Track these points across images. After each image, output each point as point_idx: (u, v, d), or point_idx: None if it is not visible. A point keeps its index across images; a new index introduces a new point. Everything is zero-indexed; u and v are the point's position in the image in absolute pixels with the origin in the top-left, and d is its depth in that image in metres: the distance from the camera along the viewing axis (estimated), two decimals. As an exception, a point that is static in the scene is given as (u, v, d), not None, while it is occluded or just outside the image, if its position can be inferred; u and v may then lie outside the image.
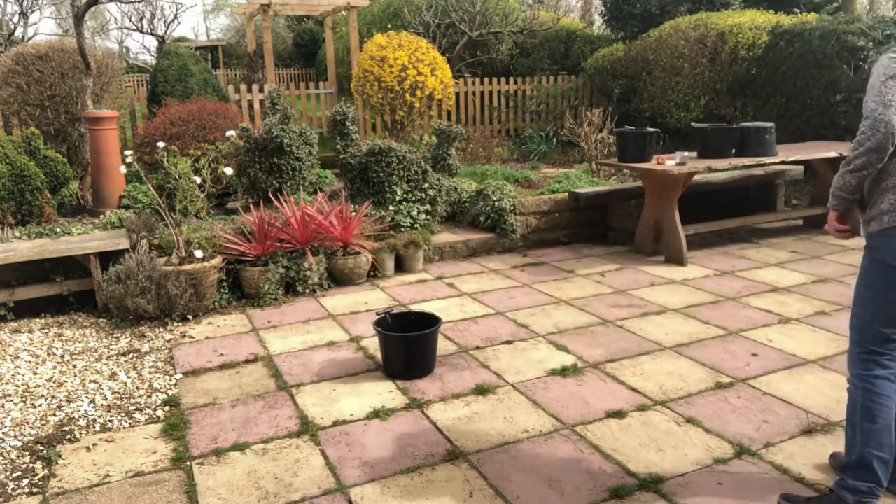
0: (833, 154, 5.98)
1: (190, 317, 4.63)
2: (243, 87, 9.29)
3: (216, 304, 4.83)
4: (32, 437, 3.08)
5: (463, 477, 2.71)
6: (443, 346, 4.05)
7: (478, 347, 4.04)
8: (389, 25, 12.33)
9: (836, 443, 2.87)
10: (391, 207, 5.92)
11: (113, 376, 3.73)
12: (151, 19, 30.61)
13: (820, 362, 3.70)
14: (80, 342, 4.25)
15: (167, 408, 3.36)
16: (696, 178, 6.22)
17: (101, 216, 5.66)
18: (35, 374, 3.78)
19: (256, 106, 9.23)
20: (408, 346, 3.65)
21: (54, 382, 3.66)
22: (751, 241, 6.48)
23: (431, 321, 3.77)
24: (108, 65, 8.25)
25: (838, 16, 9.12)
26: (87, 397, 3.47)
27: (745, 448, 2.84)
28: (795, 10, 10.72)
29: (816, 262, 5.67)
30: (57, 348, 4.14)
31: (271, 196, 5.69)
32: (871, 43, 7.75)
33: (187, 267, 4.59)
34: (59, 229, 5.22)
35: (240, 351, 4.07)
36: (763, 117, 8.19)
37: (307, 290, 5.11)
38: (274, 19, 20.59)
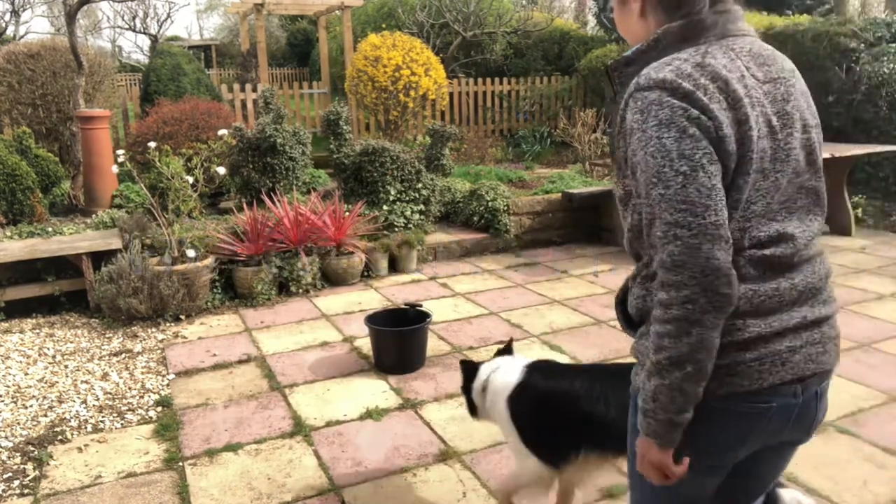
0: (825, 155, 6.01)
1: (182, 317, 4.61)
2: (236, 86, 9.25)
3: (209, 304, 4.81)
4: (23, 437, 3.06)
5: (456, 477, 2.71)
6: (436, 346, 4.05)
7: (471, 347, 4.04)
8: (384, 25, 12.31)
9: (826, 441, 2.89)
10: (385, 207, 5.91)
11: (105, 377, 3.71)
12: (144, 18, 30.50)
13: (812, 362, 3.72)
14: (71, 342, 4.23)
15: (159, 408, 3.35)
16: (689, 178, 6.23)
17: (93, 216, 5.64)
18: (26, 374, 3.75)
19: (250, 105, 9.19)
20: (398, 340, 3.70)
21: (46, 383, 3.64)
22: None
23: (421, 316, 3.80)
24: (100, 63, 8.21)
25: (830, 17, 9.17)
26: (78, 398, 3.46)
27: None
28: (788, 11, 10.78)
29: (808, 263, 5.70)
30: (48, 348, 4.12)
31: (264, 196, 5.67)
32: (862, 44, 7.80)
33: (180, 267, 4.57)
34: (50, 229, 5.19)
35: (233, 351, 4.05)
36: (755, 118, 8.21)
37: (300, 291, 5.10)
38: (267, 18, 20.54)
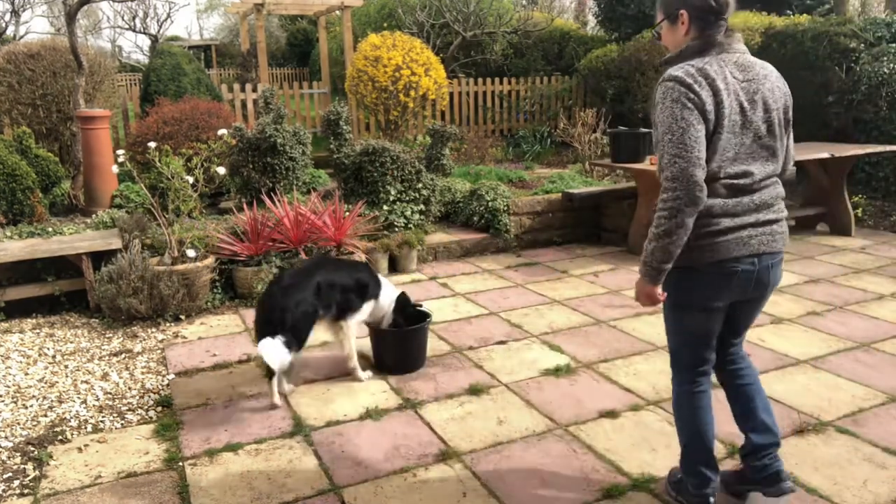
0: (825, 155, 6.01)
1: (182, 317, 4.61)
2: (236, 86, 9.25)
3: (209, 304, 4.81)
4: (24, 437, 3.06)
5: (456, 477, 2.71)
6: (436, 346, 4.05)
7: (471, 348, 4.04)
8: (384, 25, 12.32)
9: (826, 441, 2.89)
10: (385, 207, 5.91)
11: (105, 377, 3.71)
12: (144, 18, 30.53)
13: (811, 362, 3.72)
14: (71, 342, 4.23)
15: (159, 408, 3.35)
16: (689, 178, 6.24)
17: (93, 216, 5.64)
18: (26, 374, 3.75)
19: (250, 105, 9.19)
20: (398, 340, 3.72)
21: (46, 383, 3.64)
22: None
23: (421, 316, 3.80)
24: (100, 64, 8.21)
25: (830, 17, 9.17)
26: (78, 398, 3.46)
27: (738, 448, 2.84)
28: (788, 11, 10.78)
29: (808, 263, 5.70)
30: (48, 348, 4.12)
31: (264, 196, 5.67)
32: (862, 44, 7.80)
33: (180, 267, 4.57)
34: (50, 229, 5.19)
35: (233, 351, 4.05)
36: (755, 118, 8.21)
37: (300, 290, 5.09)
38: (267, 18, 20.51)
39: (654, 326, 4.31)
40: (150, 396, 3.47)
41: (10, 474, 2.79)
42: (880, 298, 4.76)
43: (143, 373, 3.76)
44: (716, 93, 2.01)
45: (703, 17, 2.13)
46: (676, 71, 2.04)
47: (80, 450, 2.97)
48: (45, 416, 3.28)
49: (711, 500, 2.37)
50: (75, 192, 6.48)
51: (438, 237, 6.13)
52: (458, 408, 3.29)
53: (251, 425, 3.16)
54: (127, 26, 31.22)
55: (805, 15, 9.87)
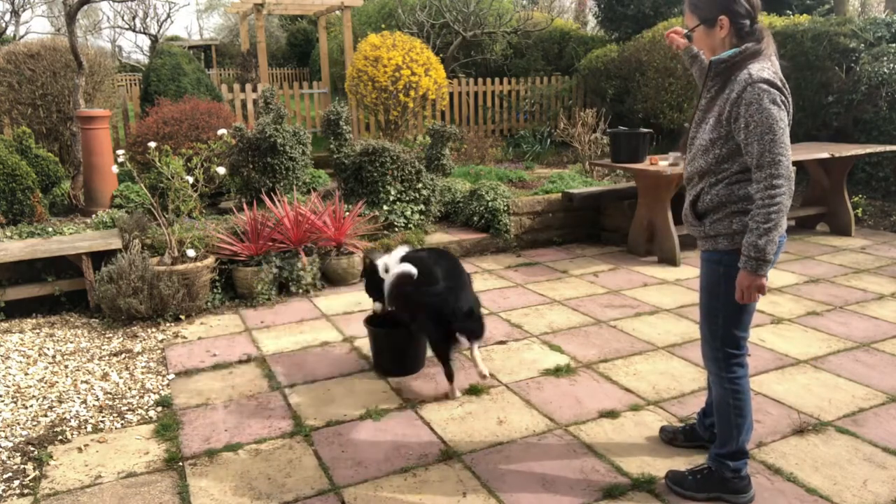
0: (825, 155, 6.01)
1: (182, 317, 4.61)
2: (236, 86, 9.25)
3: (209, 304, 4.81)
4: (23, 437, 3.06)
5: (456, 477, 2.71)
6: (436, 346, 4.04)
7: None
8: (384, 25, 12.32)
9: (826, 441, 2.89)
10: (385, 207, 5.91)
11: (105, 377, 3.71)
12: (144, 18, 30.56)
13: (812, 362, 3.72)
14: (71, 342, 4.23)
15: (159, 408, 3.35)
16: (689, 178, 6.23)
17: (93, 216, 5.63)
18: (26, 374, 3.75)
19: (250, 105, 9.19)
20: (398, 342, 3.70)
21: (46, 383, 3.64)
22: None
23: None
24: (100, 64, 8.22)
25: (830, 17, 9.17)
26: (78, 398, 3.46)
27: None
28: (788, 11, 10.78)
29: (808, 263, 5.70)
30: (48, 348, 4.12)
31: (264, 196, 5.67)
32: (862, 44, 7.80)
33: (180, 267, 4.57)
34: (50, 229, 5.19)
35: (233, 351, 4.05)
36: (755, 118, 8.19)
37: (300, 291, 5.10)
38: (267, 18, 20.53)
39: (653, 327, 4.31)
40: (150, 396, 3.47)
41: (10, 474, 2.79)
42: (880, 298, 4.76)
43: (143, 373, 3.76)
44: (789, 94, 2.27)
45: (741, 22, 2.30)
46: (763, 73, 2.20)
47: (80, 450, 2.97)
48: (45, 416, 3.28)
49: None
50: (75, 192, 6.48)
51: (438, 237, 6.13)
52: (458, 408, 3.29)
53: (251, 425, 3.16)
54: (127, 26, 31.25)
55: (805, 15, 9.87)
